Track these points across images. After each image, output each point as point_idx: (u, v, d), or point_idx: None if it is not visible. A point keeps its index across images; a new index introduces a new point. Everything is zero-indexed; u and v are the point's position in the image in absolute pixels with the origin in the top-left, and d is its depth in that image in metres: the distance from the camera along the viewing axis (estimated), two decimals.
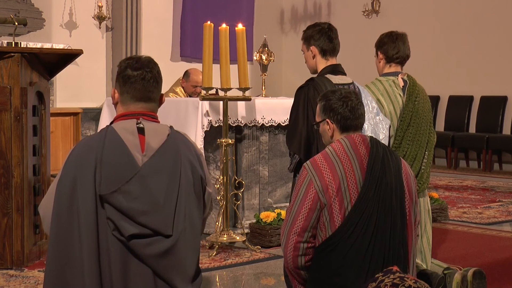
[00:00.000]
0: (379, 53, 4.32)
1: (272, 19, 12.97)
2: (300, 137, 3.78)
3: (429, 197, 5.86)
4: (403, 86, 4.23)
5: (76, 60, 5.31)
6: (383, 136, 3.91)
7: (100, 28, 10.54)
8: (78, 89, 10.10)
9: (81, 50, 4.78)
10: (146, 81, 2.84)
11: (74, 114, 8.55)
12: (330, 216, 2.93)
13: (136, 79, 2.83)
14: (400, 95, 4.20)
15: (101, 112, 6.19)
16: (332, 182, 2.94)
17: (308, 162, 3.04)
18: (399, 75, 4.26)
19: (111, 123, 2.85)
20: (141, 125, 2.80)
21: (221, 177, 5.08)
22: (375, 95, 4.17)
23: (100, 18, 10.44)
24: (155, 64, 2.90)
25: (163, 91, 8.13)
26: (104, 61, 10.45)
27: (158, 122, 2.89)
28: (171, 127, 2.87)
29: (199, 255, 2.93)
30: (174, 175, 2.74)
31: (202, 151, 5.31)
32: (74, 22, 10.28)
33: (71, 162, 2.72)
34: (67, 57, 4.69)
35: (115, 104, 2.90)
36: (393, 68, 4.29)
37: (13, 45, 4.46)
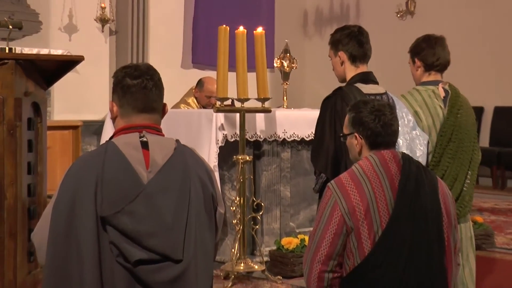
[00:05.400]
0: (416, 60, 4.32)
1: (294, 22, 13.00)
2: (327, 153, 3.78)
3: (473, 221, 5.83)
4: (444, 97, 4.22)
5: (77, 67, 5.35)
6: (420, 153, 3.90)
7: (103, 31, 10.62)
8: (78, 100, 10.16)
9: (82, 56, 4.82)
10: (147, 89, 2.86)
11: (74, 127, 8.61)
12: (358, 241, 2.93)
13: (137, 89, 2.85)
14: (440, 106, 4.20)
15: (104, 125, 6.24)
16: (359, 204, 2.94)
17: (332, 181, 3.05)
18: (440, 84, 4.26)
19: (111, 138, 2.87)
20: (145, 139, 2.81)
21: (237, 198, 5.09)
22: (412, 107, 4.16)
23: (103, 20, 10.51)
24: (155, 71, 2.92)
25: (174, 101, 8.11)
26: (108, 68, 10.51)
27: (163, 135, 2.91)
28: (177, 140, 2.89)
29: (213, 283, 2.93)
30: (183, 192, 2.75)
31: (216, 169, 5.33)
32: (74, 25, 10.36)
33: (68, 182, 2.74)
34: (67, 64, 4.73)
35: (114, 118, 2.93)
36: (433, 76, 4.29)
37: (7, 51, 4.50)
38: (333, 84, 4.19)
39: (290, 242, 5.15)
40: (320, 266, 2.98)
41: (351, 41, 4.03)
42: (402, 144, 3.85)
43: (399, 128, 3.28)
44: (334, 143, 3.75)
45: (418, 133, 3.96)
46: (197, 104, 7.42)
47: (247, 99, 5.15)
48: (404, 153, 3.13)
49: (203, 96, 7.38)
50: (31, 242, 4.40)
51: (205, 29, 11.42)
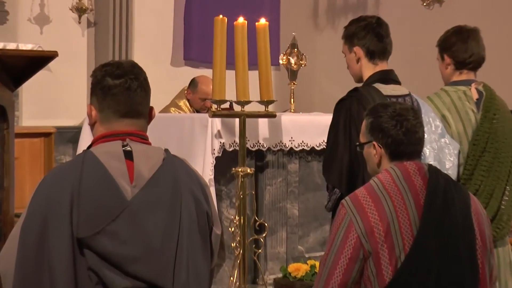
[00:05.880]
0: (445, 56, 4.33)
1: (303, 11, 12.99)
2: (341, 165, 3.80)
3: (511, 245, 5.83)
4: (477, 99, 4.23)
5: (49, 65, 5.35)
6: (450, 165, 3.91)
7: (80, 23, 10.61)
8: (51, 103, 10.15)
9: (56, 51, 4.83)
10: (132, 91, 2.87)
11: (46, 134, 8.59)
12: (377, 268, 2.94)
13: (119, 90, 2.86)
14: (472, 110, 4.21)
15: (81, 132, 6.25)
16: (378, 224, 2.95)
17: (347, 198, 3.05)
18: (473, 85, 4.26)
19: (89, 146, 2.88)
20: (129, 148, 2.82)
21: (237, 218, 5.10)
22: (439, 110, 4.17)
23: (80, 10, 10.50)
24: (141, 70, 2.94)
25: (163, 104, 8.10)
26: (85, 65, 10.50)
27: (150, 143, 2.92)
28: (166, 150, 2.91)
29: None
30: (173, 210, 2.76)
31: (212, 183, 5.34)
32: (46, 16, 10.37)
33: (40, 198, 2.75)
34: (38, 60, 4.74)
35: (93, 124, 2.94)
36: (465, 75, 4.30)
37: None
38: (348, 84, 4.20)
39: (298, 269, 5.15)
40: None
41: (369, 34, 4.04)
42: (429, 154, 3.86)
43: (425, 136, 3.29)
44: (350, 153, 3.76)
45: (447, 141, 3.97)
46: (189, 107, 7.43)
47: (248, 102, 5.16)
48: (431, 165, 3.14)
49: (197, 98, 7.38)
50: None
51: (199, 20, 11.41)
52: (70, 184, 2.72)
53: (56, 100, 10.20)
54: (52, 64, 5.98)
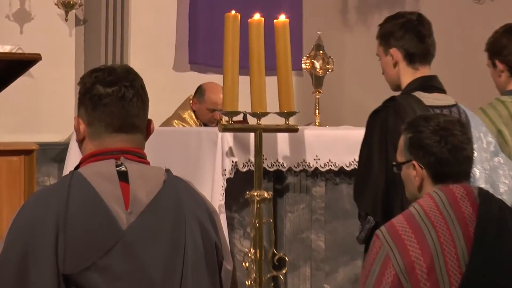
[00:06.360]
0: (497, 62, 4.33)
1: (330, 7, 13.00)
2: (375, 189, 3.80)
3: None
4: None
5: (31, 70, 5.37)
6: (505, 188, 3.91)
7: (67, 20, 10.65)
8: (32, 114, 10.18)
9: (39, 54, 4.85)
10: (126, 101, 2.87)
11: (27, 152, 8.61)
12: None
13: (112, 99, 2.86)
14: None
15: (68, 149, 6.27)
16: (420, 259, 2.95)
17: (383, 227, 3.05)
18: None
19: (77, 167, 2.89)
20: (123, 168, 2.83)
21: (252, 251, 5.09)
22: (494, 125, 4.18)
23: (67, 5, 10.52)
24: (137, 76, 2.94)
25: (164, 117, 8.11)
26: (73, 71, 10.53)
27: (148, 163, 2.93)
28: (167, 170, 2.91)
29: None
30: (175, 241, 2.77)
31: (223, 209, 5.33)
32: (27, 12, 10.41)
33: (19, 227, 2.75)
34: (18, 65, 4.76)
35: (81, 140, 2.94)
36: None
37: None
38: (383, 92, 4.20)
39: None
40: None
41: (408, 33, 4.05)
42: (479, 176, 3.85)
43: (475, 154, 3.29)
44: (385, 174, 3.76)
45: (501, 161, 3.97)
46: (195, 120, 7.44)
47: (265, 114, 5.16)
48: (482, 188, 3.14)
49: (204, 109, 7.40)
50: None
51: (206, 18, 11.43)
52: (55, 210, 2.72)
53: (39, 111, 10.22)
54: (34, 69, 6.02)
